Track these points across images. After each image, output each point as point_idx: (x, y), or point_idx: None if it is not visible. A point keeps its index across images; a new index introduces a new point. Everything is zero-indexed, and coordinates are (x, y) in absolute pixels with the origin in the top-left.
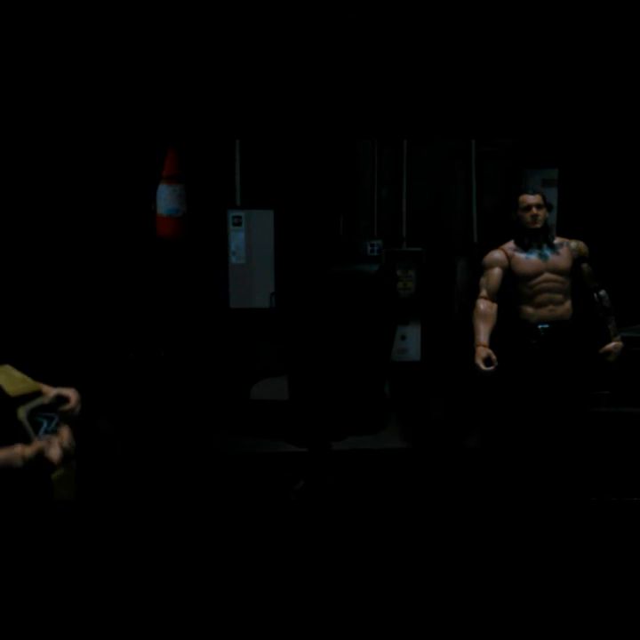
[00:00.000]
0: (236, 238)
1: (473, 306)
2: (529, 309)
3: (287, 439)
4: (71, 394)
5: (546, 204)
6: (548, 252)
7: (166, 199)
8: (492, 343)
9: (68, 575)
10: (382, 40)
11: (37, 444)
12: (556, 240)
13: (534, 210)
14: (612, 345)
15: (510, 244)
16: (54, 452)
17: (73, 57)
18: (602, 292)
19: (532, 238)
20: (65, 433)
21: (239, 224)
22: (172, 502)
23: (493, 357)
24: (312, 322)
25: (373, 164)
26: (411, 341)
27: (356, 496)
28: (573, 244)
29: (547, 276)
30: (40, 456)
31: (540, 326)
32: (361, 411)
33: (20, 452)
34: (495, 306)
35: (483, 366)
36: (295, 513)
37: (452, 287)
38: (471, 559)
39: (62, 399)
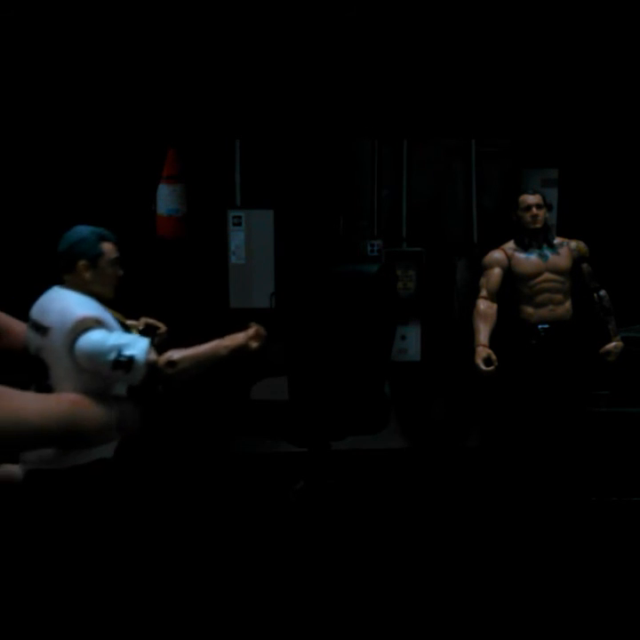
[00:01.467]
0: (236, 238)
1: (473, 306)
2: (529, 309)
3: (287, 439)
4: (157, 322)
5: (546, 204)
6: (548, 252)
7: (166, 199)
8: (492, 343)
9: (69, 569)
10: (382, 40)
11: (241, 335)
12: (556, 240)
13: (534, 210)
14: (612, 345)
15: (510, 244)
16: (254, 342)
17: (73, 58)
18: (602, 292)
19: (532, 238)
20: (255, 325)
21: (239, 224)
22: (171, 502)
23: (493, 357)
24: (312, 322)
25: (373, 163)
26: (411, 341)
27: (355, 496)
28: (573, 243)
29: (547, 275)
30: (242, 346)
31: (539, 326)
32: (361, 411)
33: (224, 343)
34: (495, 306)
35: (483, 366)
36: (295, 513)
37: (452, 287)
38: (471, 559)
39: (151, 326)
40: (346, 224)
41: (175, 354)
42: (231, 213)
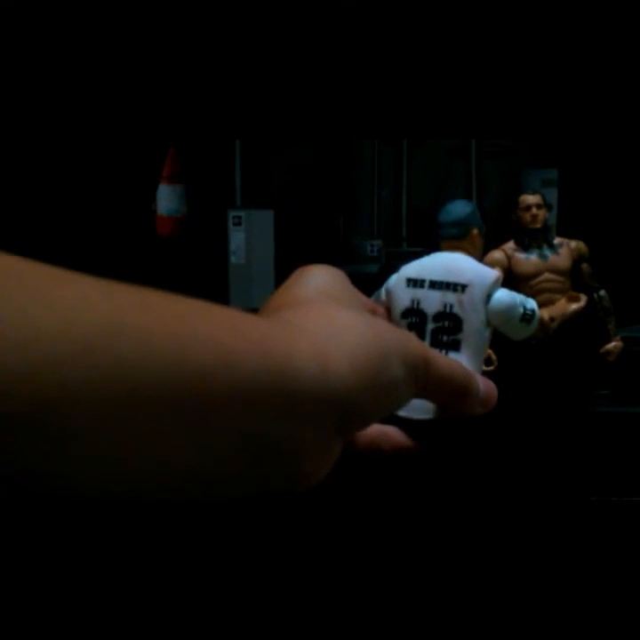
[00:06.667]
0: (236, 238)
1: None
2: None
3: None
4: None
5: (546, 204)
6: (548, 252)
7: (166, 199)
8: (493, 343)
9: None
10: (382, 40)
11: (582, 304)
12: (556, 240)
13: (534, 210)
14: (612, 345)
15: (510, 244)
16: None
17: (72, 57)
18: (602, 292)
19: (531, 238)
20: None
21: (239, 224)
22: (170, 502)
23: (494, 357)
24: None
25: (373, 163)
26: None
27: (355, 496)
28: (573, 243)
29: (547, 276)
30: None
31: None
32: None
33: (572, 308)
34: None
35: (483, 366)
36: (294, 512)
37: None
38: (471, 559)
39: None
40: (346, 224)
41: (552, 311)
42: (231, 213)
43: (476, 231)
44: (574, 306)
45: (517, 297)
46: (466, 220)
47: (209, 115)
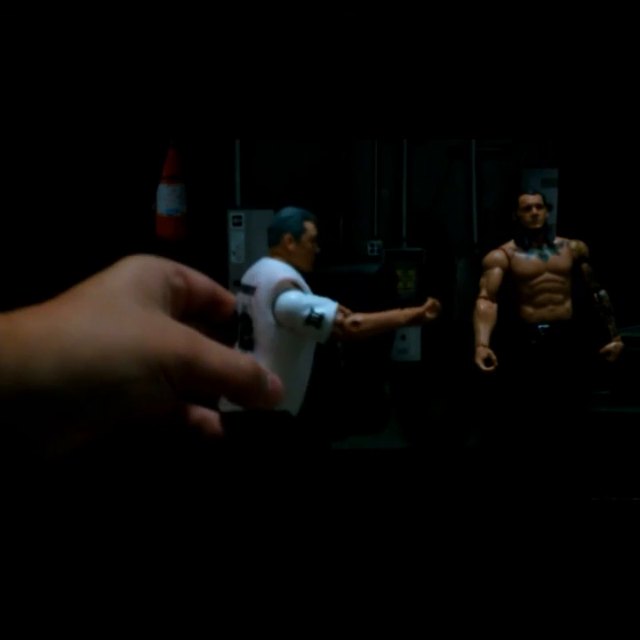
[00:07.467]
0: (236, 238)
1: (473, 306)
2: (529, 309)
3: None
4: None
5: (546, 204)
6: (548, 252)
7: (166, 199)
8: (492, 343)
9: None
10: (382, 39)
11: (419, 309)
12: (556, 240)
13: (534, 210)
14: (612, 345)
15: (510, 244)
16: (430, 314)
17: (72, 56)
18: (602, 292)
19: (531, 238)
20: (431, 298)
21: (239, 224)
22: (170, 503)
23: (493, 357)
24: None
25: (373, 163)
26: (411, 341)
27: (356, 496)
28: (573, 243)
29: (547, 275)
30: (420, 316)
31: (539, 326)
32: (361, 411)
33: (404, 312)
34: (495, 306)
35: (483, 366)
36: (294, 513)
37: (452, 287)
38: (471, 559)
39: None
40: (346, 224)
41: (359, 316)
42: (231, 213)
43: (288, 236)
44: (408, 312)
45: (307, 300)
46: (277, 227)
47: (209, 114)
